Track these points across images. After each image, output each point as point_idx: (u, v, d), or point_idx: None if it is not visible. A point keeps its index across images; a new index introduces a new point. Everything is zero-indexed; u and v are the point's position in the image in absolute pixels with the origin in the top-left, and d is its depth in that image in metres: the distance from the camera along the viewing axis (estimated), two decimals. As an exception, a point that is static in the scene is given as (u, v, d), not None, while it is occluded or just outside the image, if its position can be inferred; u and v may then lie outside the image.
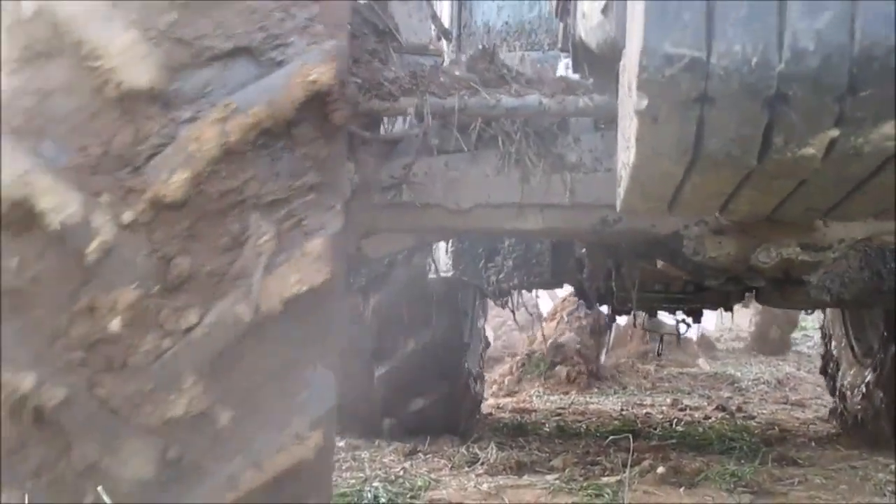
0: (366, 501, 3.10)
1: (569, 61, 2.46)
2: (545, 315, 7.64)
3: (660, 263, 2.76)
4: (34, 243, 1.74)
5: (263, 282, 1.77)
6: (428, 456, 3.87)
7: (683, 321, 4.53)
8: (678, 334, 4.80)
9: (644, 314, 4.85)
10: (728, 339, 10.06)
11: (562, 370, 5.94)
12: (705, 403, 5.61)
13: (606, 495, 3.21)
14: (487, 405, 4.97)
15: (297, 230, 1.82)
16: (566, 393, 5.47)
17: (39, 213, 1.72)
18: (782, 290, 2.99)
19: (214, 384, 1.75)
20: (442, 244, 3.65)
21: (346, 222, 1.89)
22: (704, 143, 1.46)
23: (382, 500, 3.11)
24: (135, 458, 1.74)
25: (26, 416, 1.72)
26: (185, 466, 1.74)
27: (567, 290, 5.25)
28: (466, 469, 3.67)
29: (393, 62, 2.48)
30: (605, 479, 3.44)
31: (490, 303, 4.63)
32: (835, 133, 1.40)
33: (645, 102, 1.39)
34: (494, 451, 3.89)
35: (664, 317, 5.97)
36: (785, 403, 5.72)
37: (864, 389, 4.30)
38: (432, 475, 3.50)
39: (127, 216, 1.75)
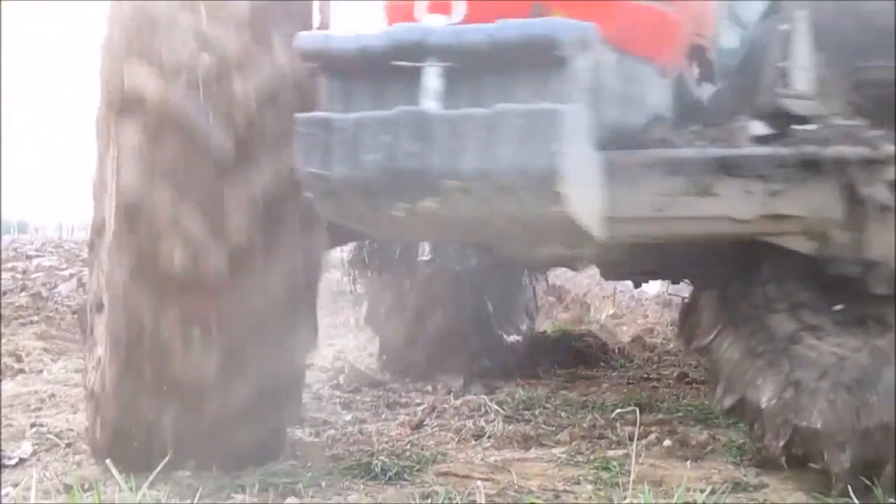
0: (373, 474, 3.12)
1: None
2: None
3: None
4: None
5: None
6: (434, 429, 3.89)
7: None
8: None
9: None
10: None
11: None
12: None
13: (613, 468, 3.22)
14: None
15: None
16: (573, 368, 5.47)
17: None
18: None
19: None
20: None
21: None
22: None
23: (389, 473, 3.12)
24: None
25: None
26: None
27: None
28: (473, 442, 3.68)
29: None
30: (611, 453, 3.45)
31: None
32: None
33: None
34: (501, 424, 3.90)
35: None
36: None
37: None
38: (439, 448, 3.51)
39: None
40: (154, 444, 2.89)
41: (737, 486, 3.03)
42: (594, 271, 4.36)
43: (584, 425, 3.90)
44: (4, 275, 11.41)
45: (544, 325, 6.76)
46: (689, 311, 3.39)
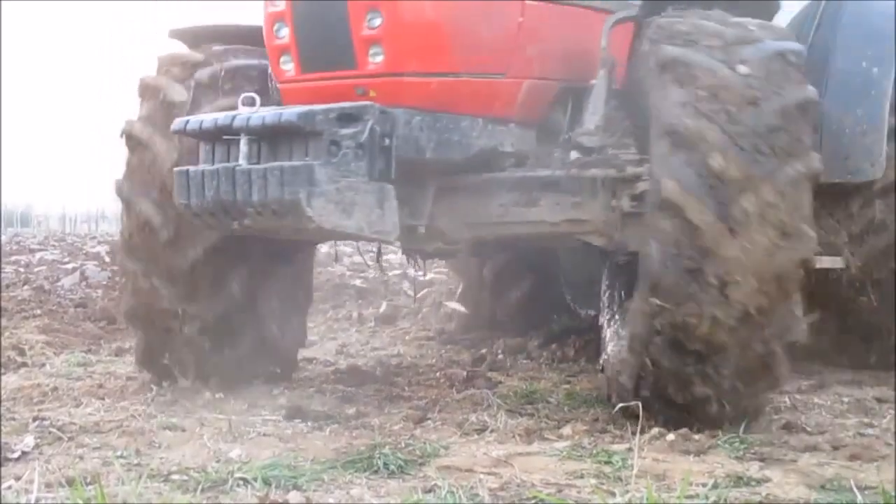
0: (375, 468, 3.12)
1: None
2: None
3: None
4: None
5: None
6: (437, 423, 3.88)
7: None
8: None
9: None
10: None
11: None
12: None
13: (616, 462, 3.22)
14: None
15: None
16: (575, 361, 5.47)
17: None
18: None
19: None
20: None
21: None
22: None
23: (392, 466, 3.12)
24: None
25: None
26: None
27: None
28: (476, 436, 3.68)
29: None
30: (614, 447, 3.45)
31: None
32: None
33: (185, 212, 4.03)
34: (504, 418, 3.90)
35: None
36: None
37: None
38: (442, 442, 3.51)
39: None
40: None
41: (739, 481, 3.02)
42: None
43: (587, 419, 3.89)
44: (7, 268, 11.42)
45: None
46: None
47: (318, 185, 3.55)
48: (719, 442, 3.49)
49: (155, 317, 4.41)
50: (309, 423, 3.84)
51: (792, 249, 3.53)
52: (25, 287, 8.87)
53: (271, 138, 3.72)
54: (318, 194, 3.55)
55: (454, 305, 6.47)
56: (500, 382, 4.77)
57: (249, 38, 4.53)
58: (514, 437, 3.65)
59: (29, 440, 3.40)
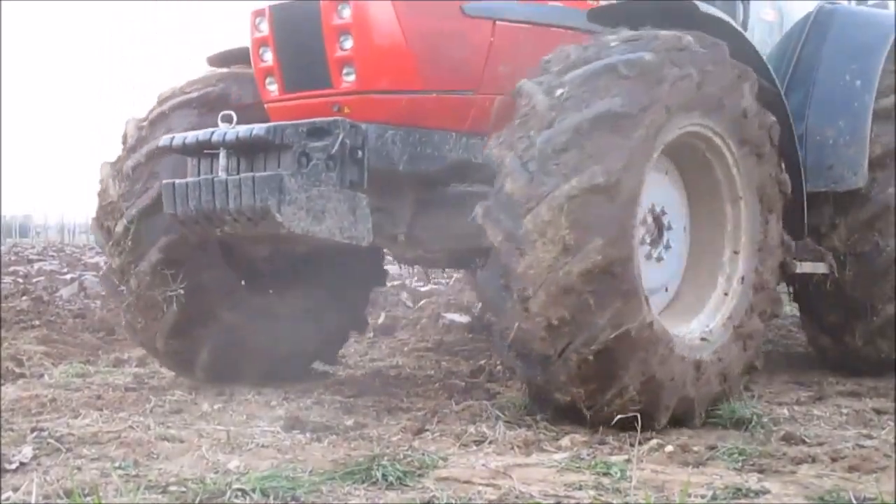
0: (374, 480, 3.11)
1: None
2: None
3: None
4: None
5: None
6: (436, 434, 3.88)
7: None
8: None
9: None
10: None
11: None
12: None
13: (614, 474, 3.21)
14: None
15: None
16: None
17: None
18: None
19: None
20: None
21: None
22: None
23: (390, 478, 3.12)
24: None
25: None
26: None
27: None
28: (474, 447, 3.67)
29: None
30: (613, 458, 3.44)
31: None
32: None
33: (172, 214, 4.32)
34: (502, 429, 3.90)
35: None
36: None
37: None
38: (440, 453, 3.50)
39: None
40: None
41: (738, 492, 3.02)
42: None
43: (586, 430, 3.89)
44: (6, 279, 11.42)
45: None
46: None
47: (287, 193, 3.87)
48: (718, 453, 3.49)
49: None
50: (307, 434, 3.83)
51: (576, 263, 3.59)
52: (24, 297, 8.87)
53: (248, 152, 4.07)
54: (288, 202, 3.88)
55: (453, 316, 6.48)
56: (499, 393, 4.76)
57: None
58: (512, 448, 3.64)
59: (27, 451, 3.39)
